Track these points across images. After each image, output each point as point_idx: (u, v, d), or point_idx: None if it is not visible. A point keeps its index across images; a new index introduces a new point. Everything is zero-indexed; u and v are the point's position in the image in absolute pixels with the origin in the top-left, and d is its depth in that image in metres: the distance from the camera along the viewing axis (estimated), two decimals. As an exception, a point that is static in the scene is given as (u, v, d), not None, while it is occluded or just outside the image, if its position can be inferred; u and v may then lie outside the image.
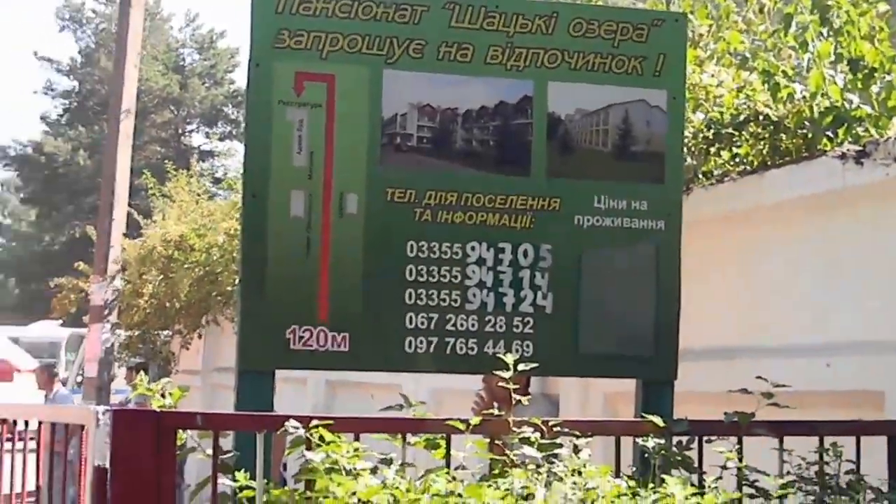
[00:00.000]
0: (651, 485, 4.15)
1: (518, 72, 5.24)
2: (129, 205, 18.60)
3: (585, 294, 5.23)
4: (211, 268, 14.11)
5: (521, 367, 4.47)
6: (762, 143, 6.53)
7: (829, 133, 6.24)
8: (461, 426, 4.26)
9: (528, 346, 5.15)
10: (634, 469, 4.57)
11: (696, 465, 4.52)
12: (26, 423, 5.06)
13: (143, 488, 3.94)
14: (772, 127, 6.49)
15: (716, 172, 6.56)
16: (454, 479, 4.01)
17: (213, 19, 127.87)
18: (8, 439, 5.16)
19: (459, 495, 3.84)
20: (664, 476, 4.20)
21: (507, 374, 4.44)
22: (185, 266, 14.55)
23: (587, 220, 5.25)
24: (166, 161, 22.41)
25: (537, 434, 4.31)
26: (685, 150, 5.91)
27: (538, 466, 4.19)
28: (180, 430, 4.17)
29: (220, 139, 57.17)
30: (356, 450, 4.06)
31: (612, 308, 5.27)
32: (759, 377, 4.68)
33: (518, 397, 4.44)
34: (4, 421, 5.17)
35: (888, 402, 5.13)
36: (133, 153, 19.22)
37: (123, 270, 17.25)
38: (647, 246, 5.32)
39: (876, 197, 5.44)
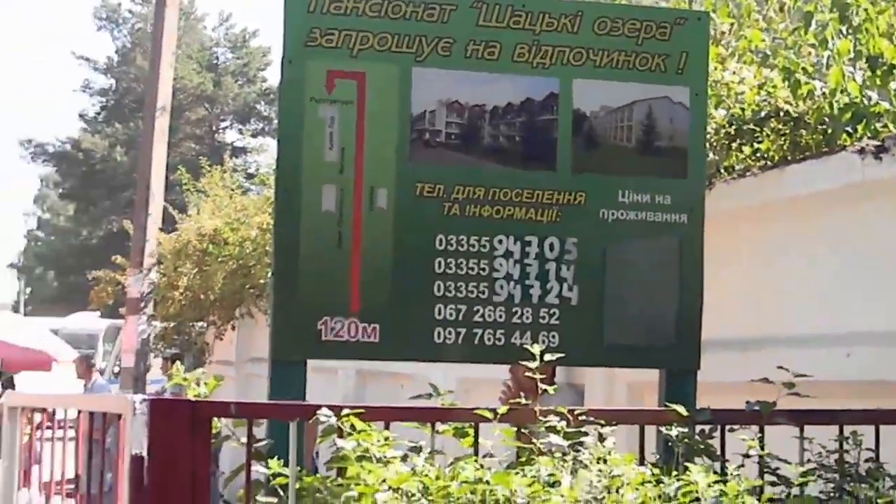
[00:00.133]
0: (674, 472, 4.14)
1: (544, 69, 5.23)
2: (165, 200, 18.65)
3: (610, 286, 5.22)
4: (244, 261, 14.15)
5: (547, 357, 4.47)
6: (783, 138, 6.51)
7: (849, 129, 6.22)
8: (489, 415, 4.27)
9: (554, 336, 5.14)
10: (658, 457, 4.56)
11: (718, 453, 4.51)
12: (65, 412, 5.08)
13: (178, 475, 3.95)
14: (792, 123, 6.47)
15: (737, 167, 6.54)
16: (482, 466, 4.01)
17: (245, 19, 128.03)
18: (48, 428, 5.19)
19: (487, 482, 3.83)
20: (687, 464, 4.18)
21: (533, 365, 4.44)
22: (219, 259, 14.59)
23: (612, 214, 5.24)
24: (200, 157, 22.47)
25: (563, 423, 4.31)
26: (707, 145, 5.89)
27: (564, 454, 4.18)
28: (215, 419, 4.18)
29: (253, 136, 57.22)
30: (386, 438, 4.06)
31: (637, 300, 5.26)
32: (780, 367, 4.66)
33: (544, 387, 4.44)
34: (44, 410, 5.19)
35: (906, 392, 5.11)
36: (168, 149, 19.26)
37: (159, 264, 17.29)
38: (670, 239, 5.30)
39: (894, 191, 5.42)
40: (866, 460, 4.52)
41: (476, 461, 4.08)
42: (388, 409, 4.49)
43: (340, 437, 4.03)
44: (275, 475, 4.07)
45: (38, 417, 5.21)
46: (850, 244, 5.68)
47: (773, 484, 4.40)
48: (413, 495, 3.86)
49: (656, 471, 4.15)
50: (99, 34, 62.17)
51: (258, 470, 4.16)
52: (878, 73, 6.38)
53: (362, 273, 5.00)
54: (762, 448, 4.46)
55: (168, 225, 18.14)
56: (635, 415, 4.88)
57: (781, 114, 6.49)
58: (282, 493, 4.07)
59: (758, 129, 6.53)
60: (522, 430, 4.35)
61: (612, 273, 5.23)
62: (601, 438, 4.30)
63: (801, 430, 4.58)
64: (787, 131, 6.49)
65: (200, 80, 54.89)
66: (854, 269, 5.63)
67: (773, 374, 4.66)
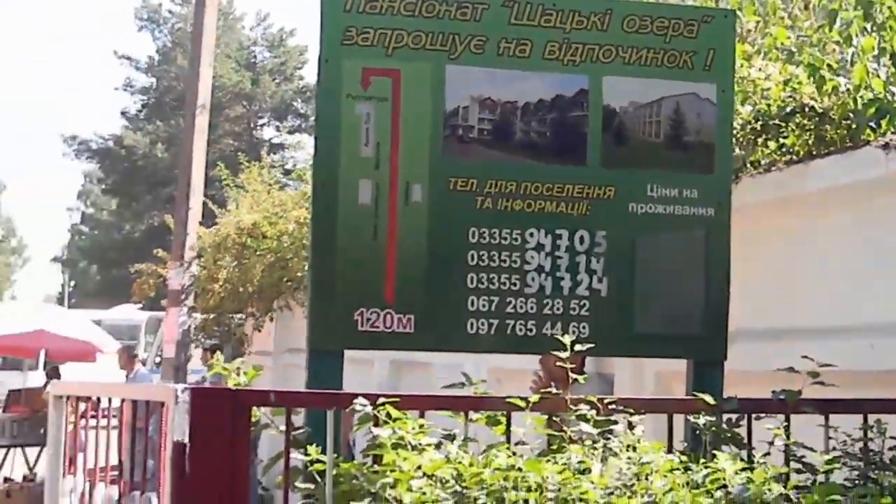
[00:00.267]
0: (702, 460, 4.13)
1: (574, 66, 5.22)
2: (205, 195, 18.68)
3: (639, 278, 5.22)
4: (282, 254, 14.16)
5: (577, 347, 4.46)
6: (808, 133, 6.48)
7: (872, 124, 6.18)
8: (521, 404, 4.26)
9: (584, 327, 5.14)
10: (686, 445, 4.56)
11: (745, 441, 4.50)
12: (109, 400, 5.10)
13: (219, 462, 3.96)
14: (817, 118, 6.44)
15: (763, 162, 6.51)
16: (514, 454, 4.01)
17: (283, 18, 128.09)
18: (92, 416, 5.21)
19: (520, 469, 3.83)
20: (715, 452, 4.17)
21: (564, 355, 4.44)
22: (258, 253, 14.61)
23: (640, 208, 5.24)
24: (239, 153, 22.50)
25: (593, 412, 4.30)
26: (734, 140, 5.86)
27: (594, 442, 4.18)
28: (254, 407, 4.19)
29: (290, 132, 57.31)
30: (421, 426, 4.07)
31: (665, 291, 5.26)
32: (805, 357, 4.65)
33: (575, 376, 4.43)
34: (88, 399, 5.21)
35: (930, 382, 5.08)
36: (208, 146, 19.30)
37: (199, 257, 17.33)
38: (697, 232, 5.30)
39: (918, 185, 5.39)
40: (890, 448, 4.50)
41: (508, 449, 4.08)
42: (423, 398, 4.49)
43: (376, 425, 4.04)
44: (312, 462, 4.08)
45: (82, 406, 5.23)
46: (873, 237, 5.65)
47: (798, 471, 4.38)
48: (447, 482, 3.87)
49: (684, 458, 4.14)
50: (140, 34, 62.29)
51: (296, 457, 4.17)
52: (902, 69, 6.34)
53: (397, 265, 5.01)
54: (788, 436, 4.45)
55: (208, 219, 18.16)
56: (664, 404, 4.87)
57: (806, 109, 6.46)
58: (319, 479, 4.08)
59: (783, 124, 6.50)
60: (553, 419, 4.34)
61: (641, 265, 5.23)
62: (630, 427, 4.30)
63: (826, 419, 4.56)
64: (812, 127, 6.45)
65: (239, 79, 54.98)
66: (877, 261, 5.60)
67: (798, 364, 4.65)
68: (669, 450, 4.36)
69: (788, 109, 6.51)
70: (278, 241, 14.31)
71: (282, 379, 15.60)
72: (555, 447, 4.22)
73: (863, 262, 5.69)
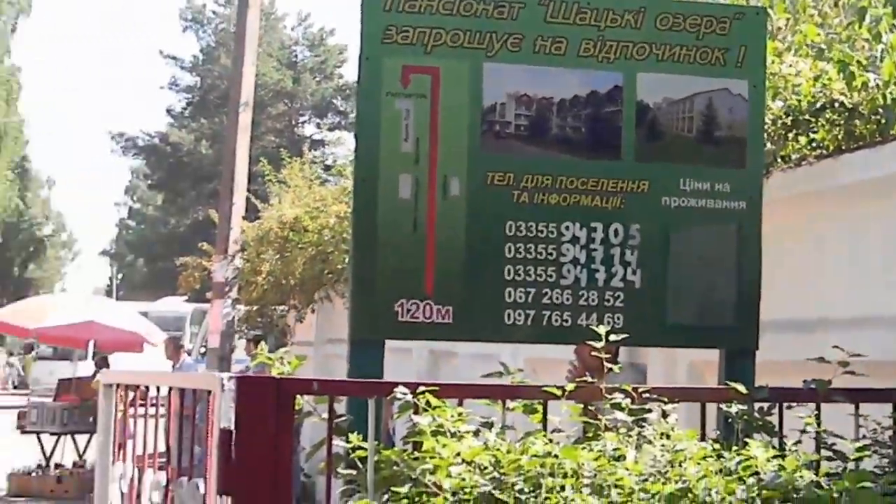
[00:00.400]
0: (734, 448, 4.12)
1: (609, 63, 5.21)
2: (248, 190, 18.72)
3: (672, 270, 5.20)
4: (323, 247, 14.17)
5: (612, 337, 4.45)
6: (837, 128, 6.45)
7: (901, 119, 6.14)
8: (557, 392, 4.26)
9: (618, 318, 5.12)
10: (718, 433, 4.54)
11: (776, 429, 4.48)
12: (157, 389, 5.13)
13: (264, 448, 3.97)
14: (847, 113, 6.41)
15: (794, 156, 6.48)
16: (551, 441, 4.01)
17: (323, 18, 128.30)
18: (140, 405, 5.23)
19: (556, 456, 3.83)
20: (747, 439, 4.16)
21: (598, 345, 4.43)
22: (299, 246, 14.63)
23: (674, 201, 5.22)
24: (281, 150, 22.54)
25: (628, 400, 4.30)
26: (765, 135, 5.84)
27: (629, 430, 4.17)
28: (298, 396, 4.20)
29: (330, 129, 57.38)
30: (460, 414, 4.07)
31: (697, 283, 5.24)
32: (835, 347, 4.62)
33: (610, 365, 4.43)
34: (137, 387, 5.24)
35: (959, 371, 5.05)
36: (250, 143, 19.33)
37: (243, 250, 17.37)
38: (729, 225, 5.28)
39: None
40: (920, 436, 4.48)
41: (545, 436, 4.08)
42: (462, 386, 4.49)
43: (416, 413, 4.04)
44: (354, 449, 4.09)
45: (131, 395, 5.25)
46: (903, 229, 5.62)
47: (829, 459, 4.37)
48: (485, 468, 3.87)
49: (717, 446, 4.13)
50: (185, 34, 62.43)
51: (338, 444, 4.18)
52: (931, 65, 6.29)
53: (436, 258, 5.01)
54: (819, 424, 4.43)
55: (251, 214, 18.20)
56: (697, 392, 4.85)
57: (836, 105, 6.42)
58: (361, 465, 4.09)
59: (813, 119, 6.47)
60: (589, 407, 4.34)
61: (674, 257, 5.22)
62: (664, 415, 4.29)
63: (857, 408, 4.54)
64: (842, 121, 6.42)
65: (280, 77, 55.08)
66: (907, 253, 5.57)
67: (829, 354, 4.63)
68: (702, 438, 4.35)
69: (818, 105, 6.48)
70: (319, 234, 14.33)
71: (323, 368, 15.63)
72: (590, 435, 4.22)
73: (892, 254, 5.65)
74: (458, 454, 3.87)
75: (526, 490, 3.76)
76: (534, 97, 5.14)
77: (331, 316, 15.62)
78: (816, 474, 3.94)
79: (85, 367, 21.65)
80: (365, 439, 4.08)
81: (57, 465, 18.98)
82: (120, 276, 71.75)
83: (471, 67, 5.10)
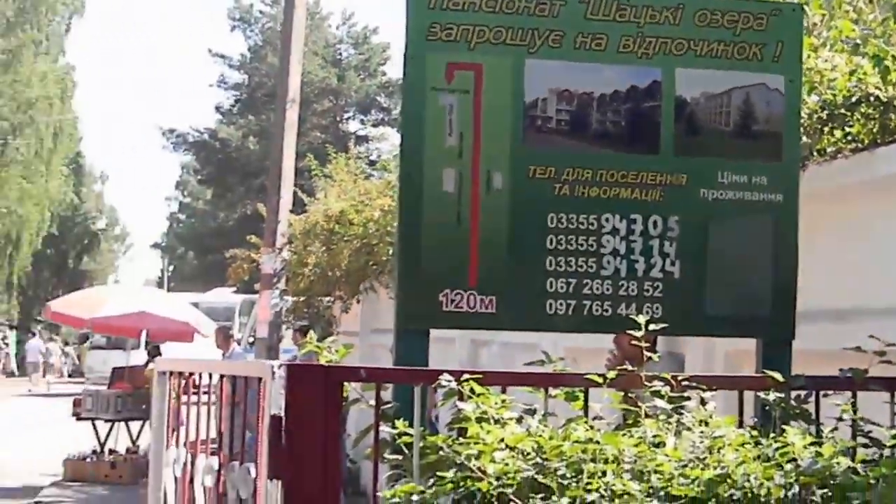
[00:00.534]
0: (772, 435, 4.09)
1: (648, 59, 5.20)
2: (295, 184, 18.73)
3: (710, 261, 5.19)
4: (368, 240, 14.17)
5: (651, 327, 4.44)
6: (872, 122, 6.40)
7: (936, 112, 6.09)
8: (599, 380, 4.25)
9: (657, 308, 5.11)
10: (756, 420, 4.52)
11: (813, 417, 4.45)
12: (210, 376, 5.15)
13: (313, 434, 3.98)
14: (882, 107, 6.36)
15: (829, 150, 6.44)
16: (592, 427, 4.00)
17: (367, 17, 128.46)
18: (193, 392, 5.25)
19: (597, 442, 3.82)
20: (784, 427, 4.13)
21: (638, 334, 4.42)
22: (345, 239, 14.63)
23: (711, 194, 5.21)
24: (326, 145, 22.56)
25: (667, 388, 4.28)
26: (801, 129, 5.80)
27: (668, 417, 4.16)
28: (345, 383, 4.20)
29: (374, 125, 57.41)
30: (503, 401, 4.07)
31: (735, 274, 5.23)
32: (871, 336, 4.59)
33: (650, 354, 4.41)
34: (190, 375, 5.25)
35: None
36: (297, 139, 19.35)
37: (290, 243, 17.39)
38: (766, 217, 5.26)
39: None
40: (955, 424, 4.43)
41: (586, 423, 4.07)
42: (505, 374, 4.49)
43: (461, 400, 4.04)
44: (400, 435, 4.09)
45: (184, 382, 5.27)
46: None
47: (865, 446, 4.33)
48: (528, 454, 3.86)
49: (755, 433, 4.11)
50: (233, 34, 62.59)
51: (384, 430, 4.18)
52: (965, 59, 6.24)
53: (480, 249, 5.01)
54: (855, 412, 4.39)
55: (298, 207, 18.21)
56: (735, 381, 4.83)
57: (871, 99, 6.38)
58: (406, 451, 4.09)
59: (849, 113, 6.43)
60: (628, 395, 4.32)
61: (712, 249, 5.20)
62: (703, 402, 4.27)
63: (892, 396, 4.51)
64: (877, 115, 6.37)
65: (325, 75, 55.13)
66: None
67: (864, 344, 4.59)
68: (740, 425, 4.33)
69: (854, 99, 6.44)
70: (364, 227, 14.33)
71: (367, 357, 15.65)
72: (630, 422, 4.21)
73: (927, 246, 5.61)
74: (502, 440, 3.87)
75: (568, 475, 3.75)
76: (575, 92, 5.13)
77: (375, 306, 15.64)
78: (853, 461, 3.91)
79: (138, 357, 21.72)
80: (410, 426, 4.08)
81: (111, 451, 19.10)
82: (171, 268, 72.08)
83: (513, 64, 5.09)
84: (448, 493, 3.83)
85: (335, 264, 14.90)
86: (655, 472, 3.77)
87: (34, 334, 52.08)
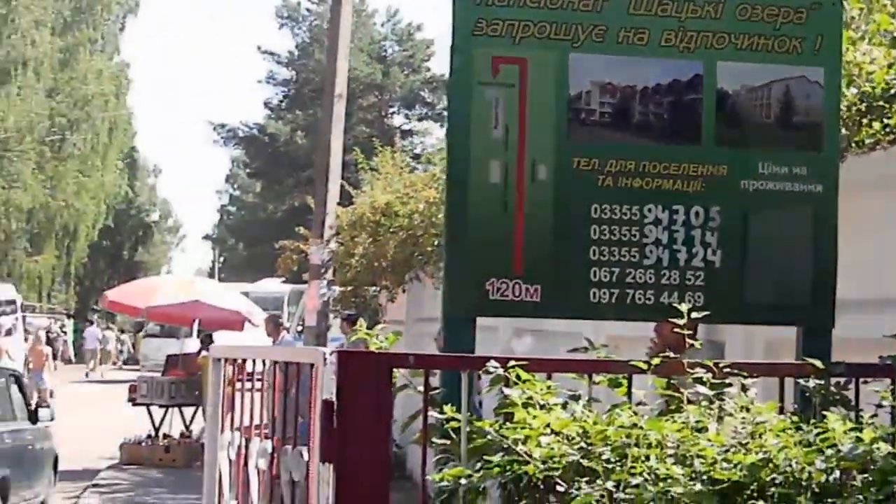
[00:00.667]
0: (812, 421, 4.06)
1: (689, 53, 5.16)
2: (342, 177, 18.77)
3: (751, 250, 5.16)
4: (413, 231, 14.17)
5: (693, 315, 4.41)
6: (911, 114, 6.33)
7: (973, 104, 6.02)
8: (643, 367, 4.23)
9: (698, 296, 5.09)
10: (796, 407, 4.48)
11: (853, 403, 4.41)
12: (264, 363, 5.16)
13: (363, 418, 3.99)
14: (920, 99, 6.29)
15: (868, 141, 6.38)
16: (635, 413, 3.98)
17: (410, 14, 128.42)
18: (248, 378, 5.26)
19: (641, 427, 3.80)
20: (824, 413, 4.10)
21: (680, 322, 4.39)
22: (391, 230, 14.65)
23: (752, 185, 5.17)
24: (372, 139, 22.57)
25: (709, 375, 4.25)
26: (840, 121, 5.75)
27: (710, 403, 4.13)
28: (394, 369, 4.20)
29: (419, 120, 57.45)
30: (548, 387, 4.05)
31: (775, 263, 5.19)
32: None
33: (692, 341, 4.39)
34: (244, 361, 5.27)
35: None
36: (344, 133, 19.38)
37: (337, 234, 17.42)
38: (806, 207, 5.22)
39: None
40: None
41: (630, 408, 4.05)
42: (551, 361, 4.47)
43: (507, 386, 4.03)
44: (448, 420, 4.09)
45: (239, 368, 5.29)
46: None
47: (905, 432, 4.29)
48: (573, 438, 3.85)
49: (795, 419, 4.07)
50: (281, 31, 62.66)
51: (432, 415, 4.18)
52: None
53: (525, 239, 5.00)
54: (894, 399, 4.35)
55: (345, 200, 18.23)
56: (776, 368, 4.80)
57: (910, 91, 6.31)
58: (454, 435, 4.09)
59: (887, 105, 6.36)
60: (671, 381, 4.30)
61: (753, 238, 5.17)
62: (744, 389, 4.24)
63: (931, 383, 4.46)
64: (915, 108, 6.31)
65: (371, 71, 55.17)
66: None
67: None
68: (781, 411, 4.29)
69: (892, 91, 6.37)
70: (409, 219, 14.33)
71: (412, 346, 15.63)
72: (673, 407, 4.18)
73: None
74: (548, 425, 3.86)
75: (612, 459, 3.74)
76: (618, 86, 5.11)
77: (420, 296, 15.65)
78: (893, 446, 3.87)
79: (191, 344, 21.87)
80: (458, 411, 4.07)
81: (165, 436, 19.24)
82: (221, 258, 72.37)
83: (557, 58, 5.07)
84: (495, 477, 3.83)
85: (381, 255, 14.91)
86: (698, 456, 3.75)
87: (92, 322, 52.52)
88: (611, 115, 5.11)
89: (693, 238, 5.12)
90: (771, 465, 3.67)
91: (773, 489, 3.63)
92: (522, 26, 5.05)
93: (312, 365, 4.18)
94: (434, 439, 4.19)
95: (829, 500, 3.62)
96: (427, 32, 66.50)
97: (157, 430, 19.24)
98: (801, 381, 4.45)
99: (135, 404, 19.52)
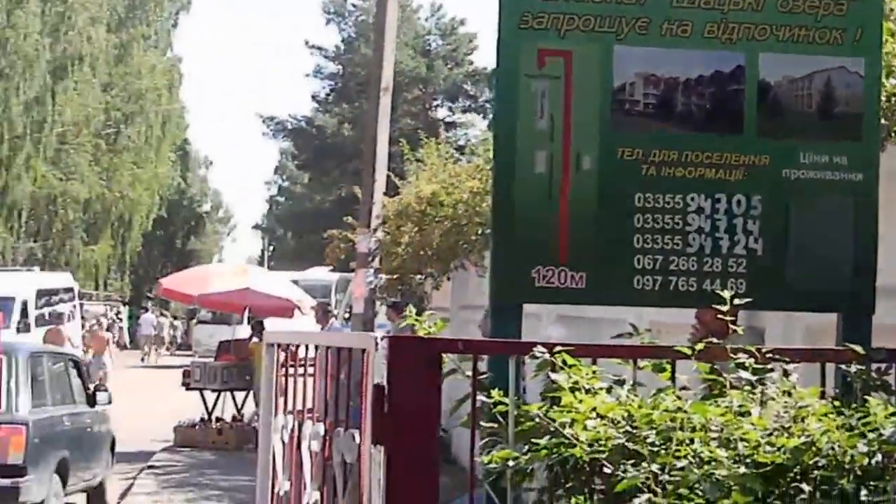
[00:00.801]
0: (853, 405, 4.03)
1: (731, 44, 5.13)
2: (388, 168, 18.80)
3: (792, 238, 5.12)
4: (457, 220, 14.16)
5: (735, 301, 4.39)
6: (949, 104, 6.25)
7: None
8: (687, 352, 4.21)
9: (740, 283, 5.06)
10: (837, 392, 4.45)
11: (894, 388, 4.37)
12: (316, 348, 5.17)
13: (414, 402, 3.98)
14: (958, 90, 6.21)
15: (907, 131, 6.31)
16: (679, 397, 3.96)
17: (454, 9, 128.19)
18: (301, 364, 5.27)
19: (685, 411, 3.79)
20: (865, 398, 4.06)
21: (723, 308, 4.37)
22: (436, 219, 14.64)
23: (793, 174, 5.14)
24: (418, 131, 22.58)
25: (751, 360, 4.22)
26: (880, 111, 5.69)
27: (752, 388, 4.10)
28: (443, 354, 4.19)
29: (462, 112, 57.46)
30: (594, 372, 4.04)
31: (816, 250, 5.15)
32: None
33: (734, 328, 4.37)
34: (297, 347, 5.28)
35: None
36: (389, 125, 19.39)
37: (384, 224, 17.44)
38: (846, 196, 5.18)
39: None
40: None
41: (674, 392, 4.04)
42: (596, 346, 4.46)
43: (553, 371, 4.02)
44: (496, 404, 4.08)
45: (291, 353, 5.30)
46: None
47: (945, 416, 4.24)
48: (619, 422, 3.84)
49: (837, 404, 4.04)
50: (327, 26, 62.84)
51: (480, 399, 4.17)
52: None
53: (570, 228, 4.99)
54: (935, 384, 4.31)
55: (391, 190, 18.26)
56: (817, 353, 4.76)
57: (948, 82, 6.23)
58: (501, 420, 4.08)
59: (926, 96, 6.29)
60: (714, 367, 4.28)
61: (794, 227, 5.13)
62: (786, 374, 4.21)
63: (972, 368, 4.41)
64: (953, 98, 6.23)
65: (415, 65, 55.23)
66: None
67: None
68: (822, 396, 4.26)
69: (931, 82, 6.29)
70: (454, 209, 14.32)
71: (457, 332, 15.64)
72: (716, 392, 4.16)
73: None
74: (594, 409, 3.85)
75: (657, 443, 3.72)
76: (661, 77, 5.08)
77: (465, 284, 15.66)
78: (934, 430, 3.84)
79: (242, 331, 22.00)
80: (505, 395, 4.07)
81: (218, 419, 19.36)
82: (271, 248, 72.67)
83: (602, 50, 5.06)
84: (542, 459, 3.83)
85: (426, 244, 14.92)
86: (742, 439, 3.72)
87: (146, 309, 52.90)
88: (654, 105, 5.08)
89: (735, 226, 5.09)
90: (814, 448, 3.65)
91: (815, 472, 3.62)
92: (568, 19, 5.03)
93: (364, 350, 4.18)
94: (482, 423, 4.19)
95: (871, 482, 3.60)
96: (470, 27, 66.32)
97: (209, 413, 19.36)
98: (843, 366, 4.41)
99: (188, 389, 19.66)
